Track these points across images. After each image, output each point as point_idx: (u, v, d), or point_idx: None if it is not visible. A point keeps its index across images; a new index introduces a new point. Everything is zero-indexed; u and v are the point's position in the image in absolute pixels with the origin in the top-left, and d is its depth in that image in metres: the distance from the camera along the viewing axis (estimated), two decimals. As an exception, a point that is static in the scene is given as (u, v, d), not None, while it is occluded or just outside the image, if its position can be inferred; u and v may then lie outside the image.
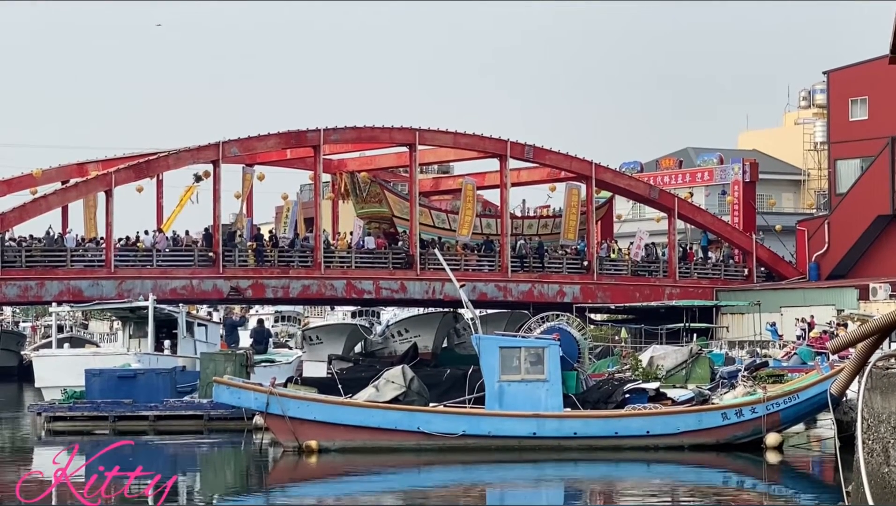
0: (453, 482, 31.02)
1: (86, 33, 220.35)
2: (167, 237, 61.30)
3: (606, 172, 68.05)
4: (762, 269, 71.28)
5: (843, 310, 58.73)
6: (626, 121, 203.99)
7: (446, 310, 71.03)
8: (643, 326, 62.49)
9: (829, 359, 39.99)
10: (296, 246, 63.25)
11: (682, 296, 66.97)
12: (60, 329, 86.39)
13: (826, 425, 35.81)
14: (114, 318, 73.97)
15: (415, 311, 76.75)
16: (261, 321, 63.73)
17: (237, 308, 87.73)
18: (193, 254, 60.09)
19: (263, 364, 47.31)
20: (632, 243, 70.66)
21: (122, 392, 41.68)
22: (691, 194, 76.50)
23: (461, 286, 37.13)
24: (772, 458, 32.81)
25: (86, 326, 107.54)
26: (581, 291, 66.23)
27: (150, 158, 61.08)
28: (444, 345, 71.92)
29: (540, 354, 33.89)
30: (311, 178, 66.52)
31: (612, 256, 69.27)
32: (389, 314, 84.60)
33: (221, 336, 53.43)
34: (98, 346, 77.28)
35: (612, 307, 67.72)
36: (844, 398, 29.50)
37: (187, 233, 62.96)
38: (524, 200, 79.35)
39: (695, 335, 58.04)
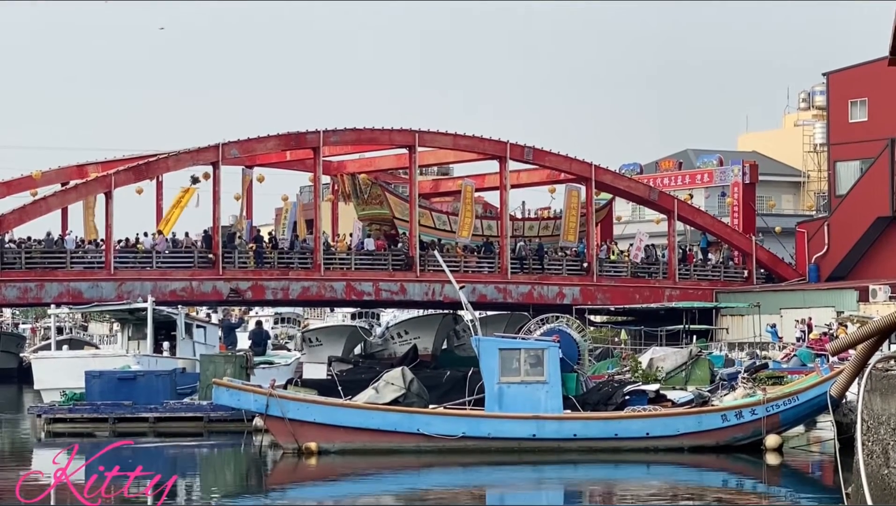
0: (453, 484, 31.01)
1: (86, 35, 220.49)
2: (167, 239, 61.31)
3: (606, 174, 68.07)
4: (762, 270, 71.30)
5: (843, 312, 58.75)
6: (626, 122, 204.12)
7: (446, 312, 71.11)
8: (643, 328, 62.50)
9: (828, 361, 40.00)
10: (295, 248, 63.27)
11: (681, 298, 67.00)
12: (60, 331, 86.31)
13: (826, 427, 35.80)
14: (113, 320, 73.94)
15: (414, 312, 76.83)
16: (259, 323, 63.72)
17: (236, 310, 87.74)
18: (193, 255, 60.12)
19: (262, 366, 47.29)
20: (631, 245, 70.67)
21: (122, 394, 41.63)
22: (691, 196, 76.53)
23: (461, 288, 37.12)
24: (772, 460, 32.80)
25: (85, 328, 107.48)
26: (581, 292, 66.25)
27: (150, 159, 61.11)
28: (444, 347, 72.01)
29: (539, 356, 33.87)
30: (311, 179, 66.57)
31: (612, 257, 69.29)
32: (389, 316, 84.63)
33: (220, 338, 53.41)
34: (97, 348, 77.22)
35: (612, 309, 67.76)
36: (844, 400, 29.48)
37: (187, 235, 62.99)
38: (524, 202, 79.43)
39: (694, 337, 58.05)
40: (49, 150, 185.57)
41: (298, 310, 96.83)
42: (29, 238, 59.65)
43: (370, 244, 64.75)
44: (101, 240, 60.09)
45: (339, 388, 37.54)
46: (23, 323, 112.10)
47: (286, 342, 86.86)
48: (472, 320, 36.77)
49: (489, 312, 69.48)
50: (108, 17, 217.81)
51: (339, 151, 68.56)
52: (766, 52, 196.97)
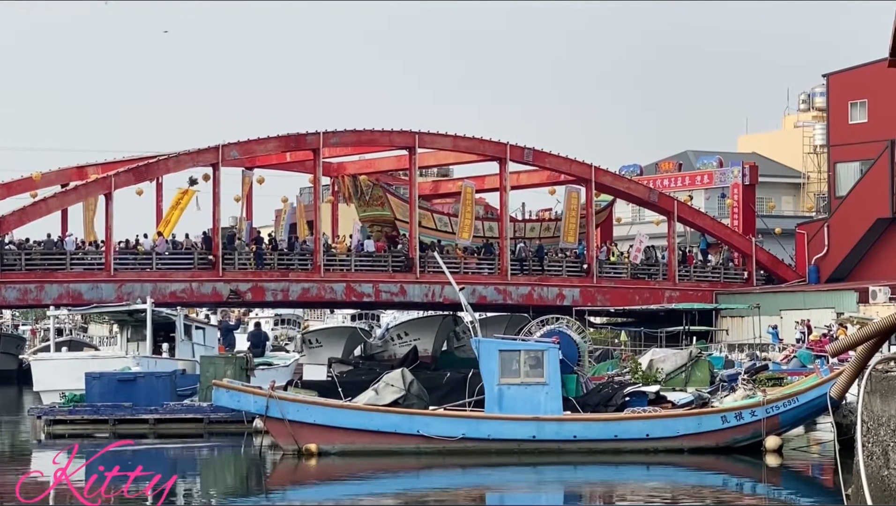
0: (453, 486, 31.01)
1: (86, 36, 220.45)
2: (167, 240, 61.31)
3: (606, 175, 68.07)
4: (762, 272, 71.30)
5: (843, 313, 58.73)
6: (626, 124, 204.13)
7: (446, 313, 71.12)
8: (643, 330, 62.50)
9: (828, 362, 39.99)
10: (295, 249, 63.27)
11: (681, 299, 66.99)
12: (60, 332, 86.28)
13: (826, 428, 35.79)
14: (112, 321, 73.97)
15: (414, 314, 76.84)
16: (258, 324, 63.76)
17: (236, 311, 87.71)
18: (193, 257, 60.11)
19: (261, 367, 47.28)
20: (631, 246, 70.67)
21: (122, 395, 41.63)
22: (691, 197, 76.53)
23: (460, 289, 37.12)
24: (771, 461, 32.80)
25: (85, 330, 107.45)
26: (580, 294, 66.26)
27: (150, 161, 61.11)
28: (444, 348, 72.03)
29: (539, 358, 33.87)
30: (311, 181, 66.57)
31: (612, 259, 69.28)
32: (389, 317, 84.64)
33: (219, 339, 53.39)
34: (97, 349, 77.23)
35: (612, 310, 67.74)
36: (844, 401, 29.46)
37: (187, 236, 62.98)
38: (524, 203, 79.44)
39: (694, 338, 58.04)
40: (49, 151, 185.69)
41: (298, 311, 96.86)
42: (27, 240, 59.61)
43: (370, 246, 64.75)
44: (101, 241, 60.09)
45: (339, 389, 37.55)
46: (23, 325, 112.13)
47: (286, 344, 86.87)
48: (471, 322, 36.77)
49: (489, 314, 69.49)
50: (108, 18, 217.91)
51: (338, 153, 68.56)
52: (766, 54, 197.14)
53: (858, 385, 18.61)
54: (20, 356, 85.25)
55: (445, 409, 34.77)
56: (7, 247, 57.65)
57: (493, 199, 71.09)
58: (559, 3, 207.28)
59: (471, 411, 34.41)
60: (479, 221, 67.59)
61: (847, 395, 21.71)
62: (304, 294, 62.46)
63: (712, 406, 35.42)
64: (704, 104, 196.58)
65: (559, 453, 33.34)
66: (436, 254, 59.05)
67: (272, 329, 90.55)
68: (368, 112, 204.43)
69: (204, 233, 62.29)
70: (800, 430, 37.17)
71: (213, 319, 70.72)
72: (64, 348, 55.13)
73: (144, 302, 49.30)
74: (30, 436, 44.22)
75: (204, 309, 78.89)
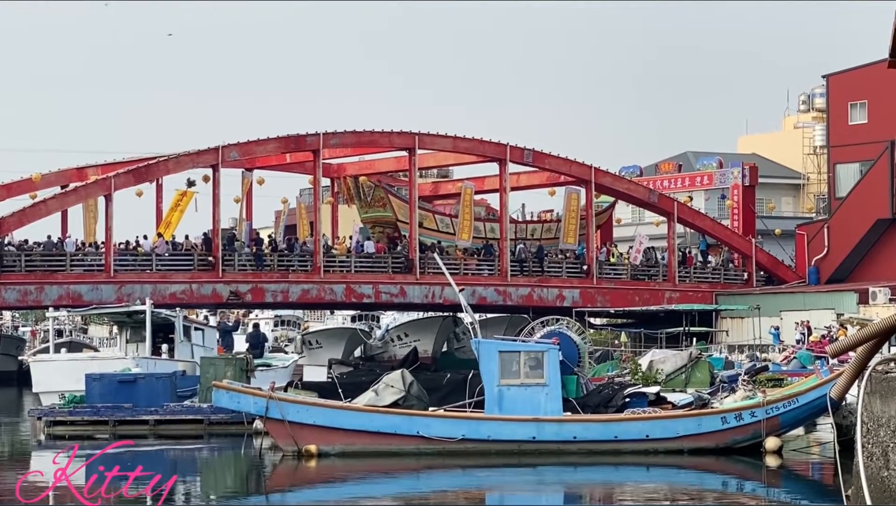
0: (453, 487, 31.01)
1: (87, 37, 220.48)
2: (166, 242, 61.32)
3: (606, 176, 68.08)
4: (762, 273, 71.31)
5: (843, 314, 58.76)
6: (626, 125, 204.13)
7: (446, 314, 71.12)
8: (643, 330, 62.51)
9: (828, 363, 40.01)
10: (295, 250, 63.27)
11: (681, 300, 67.00)
12: (60, 334, 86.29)
13: (826, 429, 35.80)
14: (112, 322, 73.98)
15: (414, 315, 76.81)
16: (256, 325, 63.76)
17: (236, 312, 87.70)
18: (193, 258, 60.12)
19: (260, 368, 47.28)
20: (631, 247, 70.67)
21: (122, 397, 41.63)
22: (690, 198, 76.56)
23: (460, 290, 37.12)
24: (771, 462, 32.80)
25: (85, 331, 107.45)
26: (580, 295, 66.27)
27: (150, 162, 61.13)
28: (444, 349, 72.03)
29: (539, 359, 33.88)
30: (311, 182, 66.57)
31: (612, 260, 69.28)
32: (389, 318, 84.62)
33: (218, 341, 53.38)
34: (97, 350, 77.22)
35: (612, 311, 67.75)
36: (844, 402, 29.45)
37: (187, 237, 62.98)
38: (523, 204, 79.43)
39: (694, 339, 58.05)
40: (49, 152, 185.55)
41: (298, 312, 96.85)
42: (27, 241, 59.63)
43: (370, 247, 64.78)
44: (101, 243, 60.10)
45: (340, 390, 37.56)
46: (23, 326, 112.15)
47: (286, 345, 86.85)
48: (471, 323, 36.76)
49: (489, 315, 69.50)
50: (107, 19, 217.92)
51: (338, 154, 68.60)
52: (765, 54, 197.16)
53: (858, 386, 18.60)
54: (20, 357, 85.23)
55: (445, 410, 34.78)
56: (7, 248, 57.65)
57: (492, 200, 71.12)
58: (559, 3, 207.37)
59: (471, 412, 34.42)
60: (481, 223, 67.61)
61: (847, 396, 21.70)
62: (304, 295, 62.48)
63: (712, 407, 35.43)
64: (704, 105, 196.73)
65: (559, 454, 33.34)
66: (435, 255, 59.06)
67: (272, 330, 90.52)
68: (368, 113, 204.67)
69: (204, 234, 62.31)
70: (800, 431, 37.18)
71: (213, 321, 70.71)
72: (63, 350, 55.11)
73: (144, 303, 49.31)
74: (30, 437, 44.21)
75: (203, 310, 78.88)
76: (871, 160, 69.45)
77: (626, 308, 66.62)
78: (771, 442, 33.55)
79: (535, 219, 75.67)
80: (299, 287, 61.89)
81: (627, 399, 36.10)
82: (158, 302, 53.84)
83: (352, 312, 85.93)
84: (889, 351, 31.87)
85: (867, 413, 18.38)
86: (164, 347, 49.04)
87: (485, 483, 31.26)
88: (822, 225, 71.68)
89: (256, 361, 48.08)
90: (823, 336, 55.19)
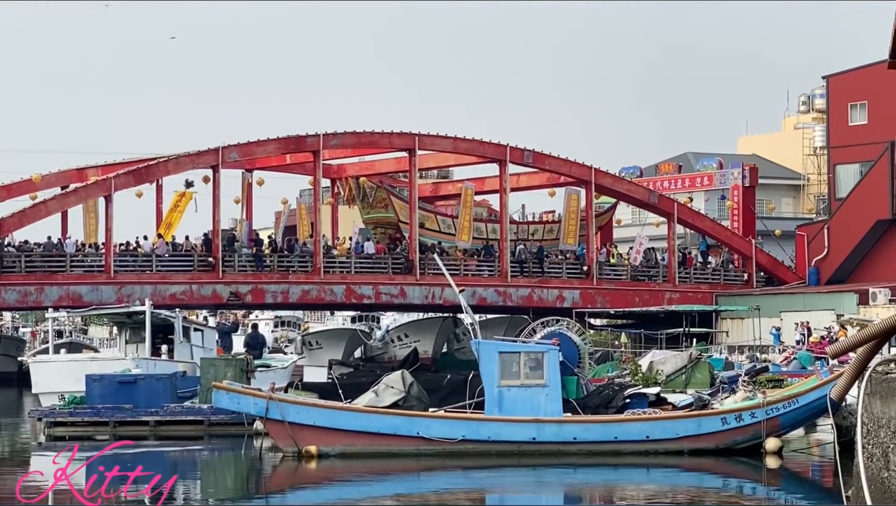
0: (453, 487, 31.02)
1: (87, 38, 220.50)
2: (166, 242, 61.34)
3: (606, 177, 68.08)
4: (762, 273, 71.30)
5: (843, 315, 58.75)
6: (626, 125, 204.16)
7: (446, 315, 71.09)
8: (643, 331, 62.51)
9: (828, 364, 40.00)
10: (295, 251, 63.28)
11: (681, 301, 66.99)
12: (60, 334, 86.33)
13: (826, 430, 35.79)
14: (111, 323, 73.99)
15: (414, 316, 76.78)
16: (255, 326, 63.75)
17: (236, 313, 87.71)
18: (193, 259, 60.12)
19: (259, 369, 47.28)
20: (631, 248, 70.67)
21: (122, 397, 41.62)
22: (691, 199, 76.55)
23: (460, 291, 37.13)
24: (771, 463, 32.80)
25: (85, 332, 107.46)
26: (581, 296, 66.26)
27: (150, 163, 61.14)
28: (444, 350, 72.02)
29: (539, 360, 33.88)
30: (311, 183, 66.57)
31: (612, 261, 69.27)
32: (389, 319, 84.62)
33: (217, 341, 53.38)
34: (97, 351, 77.22)
35: (612, 312, 67.74)
36: (844, 403, 29.46)
37: (187, 238, 62.99)
38: (524, 205, 79.42)
39: (694, 340, 58.05)
40: (49, 153, 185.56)
41: (298, 313, 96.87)
42: (27, 242, 59.63)
43: (370, 247, 64.78)
44: (101, 243, 60.10)
45: (340, 391, 37.56)
46: (23, 326, 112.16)
47: (286, 346, 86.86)
48: (471, 324, 36.77)
49: (489, 316, 69.48)
50: (108, 19, 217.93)
51: (338, 155, 68.60)
52: (765, 55, 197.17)
53: (858, 387, 18.59)
54: (20, 358, 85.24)
55: (445, 411, 34.79)
56: (7, 249, 57.66)
57: (492, 200, 71.12)
58: (559, 3, 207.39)
59: (471, 412, 34.42)
60: (483, 224, 67.64)
61: (847, 396, 21.70)
62: (304, 296, 62.49)
63: (712, 408, 35.43)
64: (704, 106, 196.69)
65: (559, 455, 33.34)
66: (435, 256, 59.06)
67: (272, 331, 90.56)
68: (368, 114, 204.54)
69: (204, 235, 62.32)
70: (800, 431, 37.19)
71: (212, 322, 70.73)
72: (63, 350, 55.11)
73: (143, 304, 49.31)
74: (30, 438, 44.21)
75: (203, 311, 78.88)
76: (872, 161, 69.44)
77: (627, 309, 66.62)
78: (771, 443, 33.55)
79: (536, 220, 75.64)
80: (299, 288, 61.89)
81: (627, 400, 36.12)
82: (158, 303, 53.84)
83: (352, 313, 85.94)
84: (889, 352, 31.84)
85: (867, 414, 18.38)
86: (164, 347, 49.03)
87: (485, 484, 31.26)
88: (822, 226, 71.67)
89: (255, 363, 48.09)
90: (823, 337, 55.19)
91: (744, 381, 38.64)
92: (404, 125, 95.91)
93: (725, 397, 37.37)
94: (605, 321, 71.48)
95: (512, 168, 65.91)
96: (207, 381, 40.11)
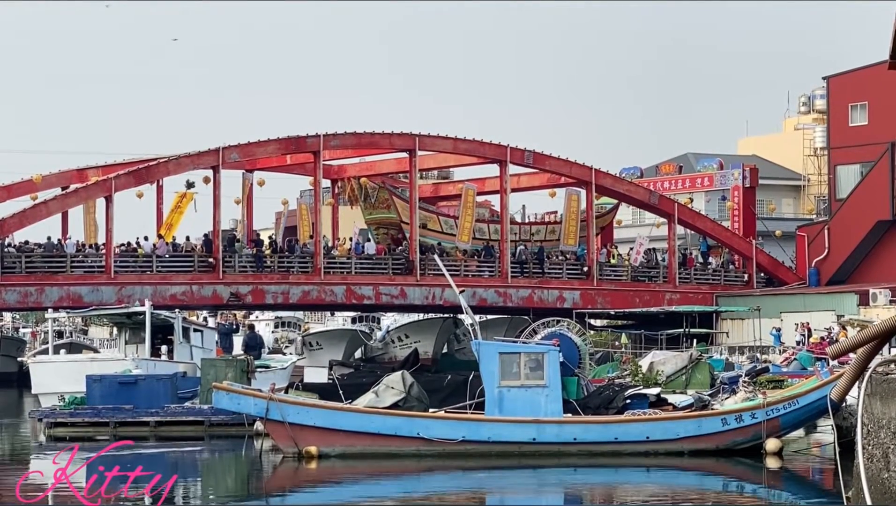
0: (453, 488, 31.03)
1: (87, 38, 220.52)
2: (167, 243, 61.35)
3: (606, 178, 68.09)
4: (762, 274, 71.30)
5: (843, 315, 58.76)
6: (626, 126, 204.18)
7: (446, 316, 71.07)
8: (643, 332, 62.50)
9: (828, 364, 40.02)
10: (295, 251, 63.29)
11: (681, 301, 66.98)
12: (60, 335, 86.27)
13: (826, 431, 35.78)
14: (111, 324, 73.96)
15: (415, 316, 76.77)
16: (252, 327, 63.71)
17: (236, 314, 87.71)
18: (193, 259, 60.12)
19: (258, 370, 47.27)
20: (631, 249, 70.66)
21: (122, 398, 41.61)
22: (691, 200, 76.54)
23: (461, 292, 37.13)
24: (772, 463, 32.80)
25: (86, 332, 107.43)
26: (581, 296, 66.26)
27: (151, 163, 61.17)
28: (444, 350, 71.98)
29: (539, 360, 33.88)
30: (311, 183, 66.58)
31: (612, 261, 69.27)
32: (389, 320, 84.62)
33: (217, 342, 53.38)
34: (97, 351, 77.22)
35: (612, 313, 67.74)
36: (844, 404, 29.49)
37: (187, 239, 63.00)
38: (524, 206, 79.44)
39: (695, 341, 58.06)
40: (49, 153, 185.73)
41: (299, 314, 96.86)
42: (27, 242, 59.64)
43: (370, 248, 64.78)
44: (102, 244, 60.11)
45: (340, 392, 37.54)
46: (23, 327, 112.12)
47: (286, 346, 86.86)
48: (472, 324, 36.77)
49: (489, 316, 69.47)
50: (108, 20, 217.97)
51: (339, 155, 68.63)
52: (766, 56, 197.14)
53: (859, 388, 18.60)
54: (20, 359, 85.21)
55: (446, 411, 34.78)
56: (7, 249, 57.67)
57: (493, 201, 71.14)
58: (560, 3, 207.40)
59: (471, 413, 34.42)
60: (485, 224, 67.67)
61: (847, 397, 21.71)
62: (305, 297, 62.49)
63: (712, 409, 35.42)
64: (705, 106, 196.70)
65: (559, 456, 33.34)
66: (436, 256, 59.06)
67: (272, 332, 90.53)
68: (368, 114, 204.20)
69: (205, 235, 62.33)
70: (800, 432, 37.17)
71: (211, 322, 70.69)
72: (62, 351, 55.11)
73: (143, 304, 49.30)
74: (30, 438, 44.21)
75: (204, 312, 78.86)
76: (872, 162, 69.45)
77: (627, 309, 66.62)
78: (771, 444, 33.55)
79: (538, 220, 75.62)
80: (300, 288, 61.90)
81: (628, 401, 36.11)
82: (159, 303, 53.85)
83: (352, 314, 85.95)
84: (889, 353, 31.85)
85: (867, 415, 18.39)
86: (164, 348, 49.03)
87: (485, 485, 31.26)
88: (823, 226, 71.68)
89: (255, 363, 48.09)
90: (824, 338, 55.21)
91: (744, 381, 38.64)
92: (404, 125, 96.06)
93: (726, 398, 37.36)
94: (605, 322, 71.48)
95: (512, 169, 65.93)
96: (208, 381, 40.12)
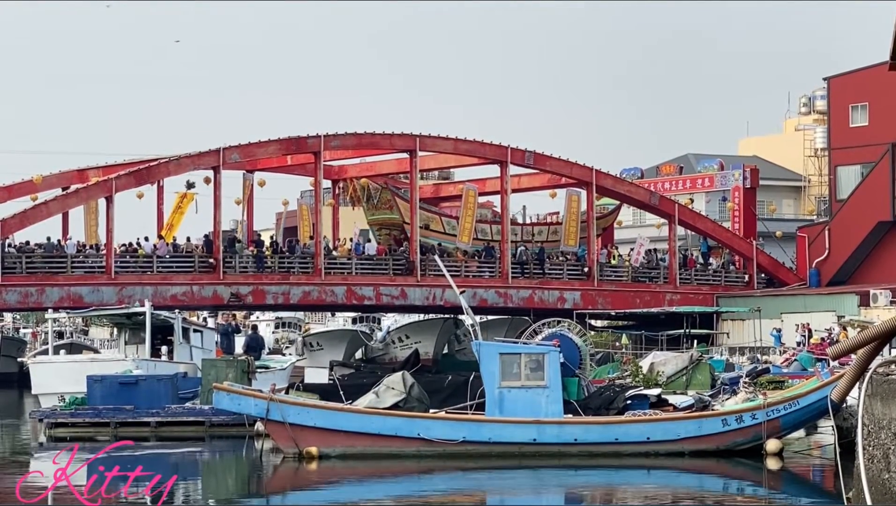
0: (453, 489, 31.03)
1: (87, 38, 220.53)
2: (167, 244, 61.36)
3: (607, 179, 68.08)
4: (763, 275, 71.29)
5: (844, 316, 58.75)
6: (627, 127, 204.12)
7: (447, 316, 71.06)
8: (644, 333, 62.47)
9: (829, 365, 40.03)
10: (296, 252, 63.29)
11: (682, 302, 66.95)
12: (61, 335, 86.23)
13: (826, 431, 35.81)
14: (111, 324, 73.96)
15: (415, 317, 76.76)
16: (255, 327, 63.71)
17: (236, 315, 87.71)
18: (194, 260, 60.12)
19: (259, 370, 47.29)
20: (632, 249, 70.66)
21: (123, 398, 41.63)
22: (692, 200, 76.51)
23: (461, 292, 37.13)
24: (772, 464, 32.81)
25: (86, 333, 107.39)
26: (581, 297, 66.24)
27: (151, 164, 61.16)
28: (445, 351, 71.96)
29: (540, 361, 33.89)
30: (312, 184, 66.57)
31: (613, 262, 69.26)
32: (390, 320, 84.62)
33: (217, 342, 53.39)
34: (97, 352, 77.23)
35: (613, 313, 67.74)
36: (845, 404, 29.49)
37: (188, 239, 63.01)
38: (525, 207, 79.42)
39: (695, 341, 58.05)
40: (50, 154, 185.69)
41: (299, 314, 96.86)
42: (27, 243, 59.64)
43: (371, 249, 64.78)
44: (102, 244, 60.12)
45: (341, 392, 37.55)
46: (24, 327, 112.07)
47: (286, 347, 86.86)
48: (472, 325, 36.78)
49: (490, 317, 69.46)
50: (108, 20, 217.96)
51: (339, 156, 68.61)
52: (766, 56, 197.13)
53: (859, 388, 18.59)
54: (20, 359, 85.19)
55: (446, 412, 34.80)
56: (8, 250, 57.67)
57: (494, 201, 71.12)
58: (560, 3, 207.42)
59: (472, 414, 34.43)
60: (487, 225, 67.68)
61: (848, 398, 21.70)
62: (305, 297, 62.49)
63: (713, 409, 35.44)
64: (705, 107, 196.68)
65: (560, 457, 33.35)
66: (436, 257, 59.05)
67: (273, 332, 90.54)
68: (369, 114, 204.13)
69: (205, 236, 62.33)
70: (801, 433, 37.18)
71: (211, 323, 70.71)
72: (62, 351, 55.12)
73: (143, 305, 49.31)
74: (31, 439, 44.21)
75: (204, 312, 78.85)
76: (872, 162, 69.43)
77: (627, 310, 66.61)
78: (772, 444, 33.56)
79: (538, 221, 75.60)
80: (300, 289, 61.89)
81: (628, 401, 36.12)
82: (159, 304, 53.85)
83: (353, 314, 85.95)
84: (890, 353, 31.87)
85: (868, 415, 18.38)
86: (164, 348, 49.04)
87: (485, 485, 31.28)
88: (823, 227, 71.67)
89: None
90: (824, 338, 55.21)
91: (744, 382, 38.69)
92: (404, 126, 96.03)
93: (726, 399, 37.39)
94: (605, 323, 71.46)
95: (513, 169, 65.92)
96: (208, 382, 40.14)
